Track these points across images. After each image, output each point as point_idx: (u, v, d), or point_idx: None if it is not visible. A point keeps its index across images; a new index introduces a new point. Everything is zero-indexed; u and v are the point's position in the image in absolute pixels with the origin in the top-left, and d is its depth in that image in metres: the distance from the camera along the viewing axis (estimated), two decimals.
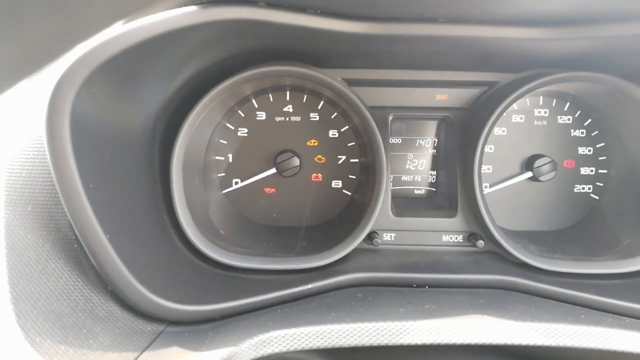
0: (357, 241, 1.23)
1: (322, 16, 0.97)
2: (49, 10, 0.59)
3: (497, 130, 1.43)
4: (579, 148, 1.44)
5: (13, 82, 0.69)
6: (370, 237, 1.33)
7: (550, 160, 1.38)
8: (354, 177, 1.46)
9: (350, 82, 1.35)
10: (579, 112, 1.42)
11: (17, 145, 0.95)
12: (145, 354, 0.86)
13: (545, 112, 1.43)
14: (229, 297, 1.04)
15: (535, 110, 1.43)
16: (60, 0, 0.59)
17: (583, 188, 1.46)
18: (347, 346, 0.86)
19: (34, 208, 0.90)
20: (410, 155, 1.48)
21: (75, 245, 0.92)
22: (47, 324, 0.81)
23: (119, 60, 0.86)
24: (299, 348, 0.86)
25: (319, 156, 1.45)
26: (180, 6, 0.90)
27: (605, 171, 1.44)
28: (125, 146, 1.02)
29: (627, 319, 1.01)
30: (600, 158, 1.43)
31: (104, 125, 0.94)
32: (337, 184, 1.46)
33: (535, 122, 1.43)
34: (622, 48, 1.08)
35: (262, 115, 1.42)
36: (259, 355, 0.84)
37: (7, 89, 0.72)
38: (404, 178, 1.49)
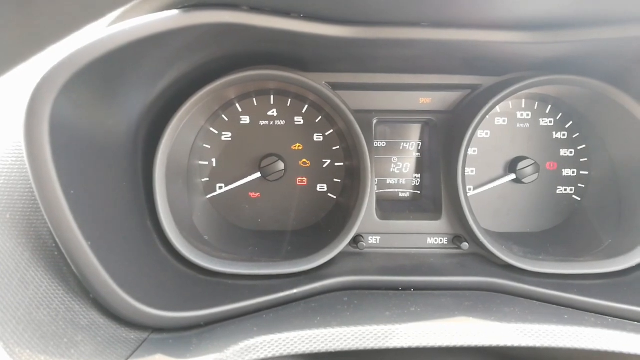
0: (342, 245, 1.23)
1: (305, 20, 0.97)
2: (18, 11, 0.58)
3: (481, 133, 1.44)
4: (560, 150, 1.46)
5: None
6: (356, 240, 1.34)
7: (533, 162, 1.40)
8: (339, 180, 1.46)
9: (335, 86, 1.35)
10: (561, 114, 1.44)
11: None
12: None
13: (527, 115, 1.44)
14: (213, 303, 1.03)
15: (517, 112, 1.44)
16: (29, 0, 0.57)
17: (565, 189, 1.47)
18: (334, 350, 0.86)
19: (12, 215, 0.88)
20: (394, 158, 1.48)
21: (56, 253, 0.90)
22: (26, 334, 0.79)
23: (99, 64, 0.85)
24: (285, 353, 0.85)
25: (304, 160, 1.45)
26: (163, 10, 0.90)
27: (587, 173, 1.46)
28: (107, 151, 1.01)
29: (610, 319, 1.02)
30: (581, 160, 1.45)
31: (84, 130, 0.93)
32: (322, 187, 1.46)
33: (517, 125, 1.44)
34: (603, 52, 1.10)
35: (246, 120, 1.41)
36: None
37: None
38: (389, 181, 1.49)
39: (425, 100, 1.41)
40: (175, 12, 0.88)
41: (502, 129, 1.44)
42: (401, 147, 1.48)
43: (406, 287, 1.18)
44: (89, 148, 0.95)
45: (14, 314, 0.80)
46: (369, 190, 1.25)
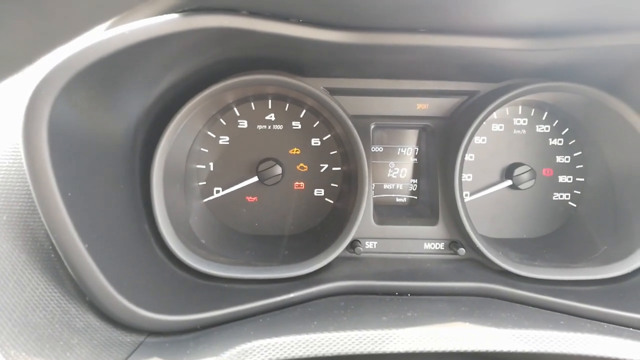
0: (339, 250, 1.23)
1: (304, 25, 0.97)
2: (27, 13, 0.58)
3: (477, 139, 1.45)
4: (557, 157, 1.47)
5: None
6: (353, 245, 1.34)
7: (530, 168, 1.40)
8: (336, 185, 1.46)
9: (332, 91, 1.35)
10: (557, 121, 1.45)
11: None
12: None
13: (524, 121, 1.45)
14: (210, 306, 1.03)
15: (514, 119, 1.45)
16: (38, 2, 0.58)
17: (561, 196, 1.48)
18: (330, 355, 0.86)
19: (9, 217, 0.88)
20: (391, 163, 1.49)
21: (52, 255, 0.90)
22: (22, 337, 0.78)
23: (99, 67, 0.85)
24: (282, 358, 0.85)
25: (301, 164, 1.45)
26: (162, 13, 0.90)
27: (583, 179, 1.46)
28: (105, 154, 1.01)
29: (606, 325, 1.02)
30: (577, 166, 1.46)
31: (83, 132, 0.93)
32: (319, 192, 1.46)
33: (514, 131, 1.45)
34: (599, 59, 1.11)
35: (244, 124, 1.42)
36: None
37: None
38: (386, 186, 1.50)
39: (422, 106, 1.41)
40: (175, 16, 0.89)
41: (498, 135, 1.45)
42: (398, 153, 1.49)
43: (403, 292, 1.18)
44: (87, 151, 0.95)
45: (10, 317, 0.79)
46: (366, 195, 1.25)
